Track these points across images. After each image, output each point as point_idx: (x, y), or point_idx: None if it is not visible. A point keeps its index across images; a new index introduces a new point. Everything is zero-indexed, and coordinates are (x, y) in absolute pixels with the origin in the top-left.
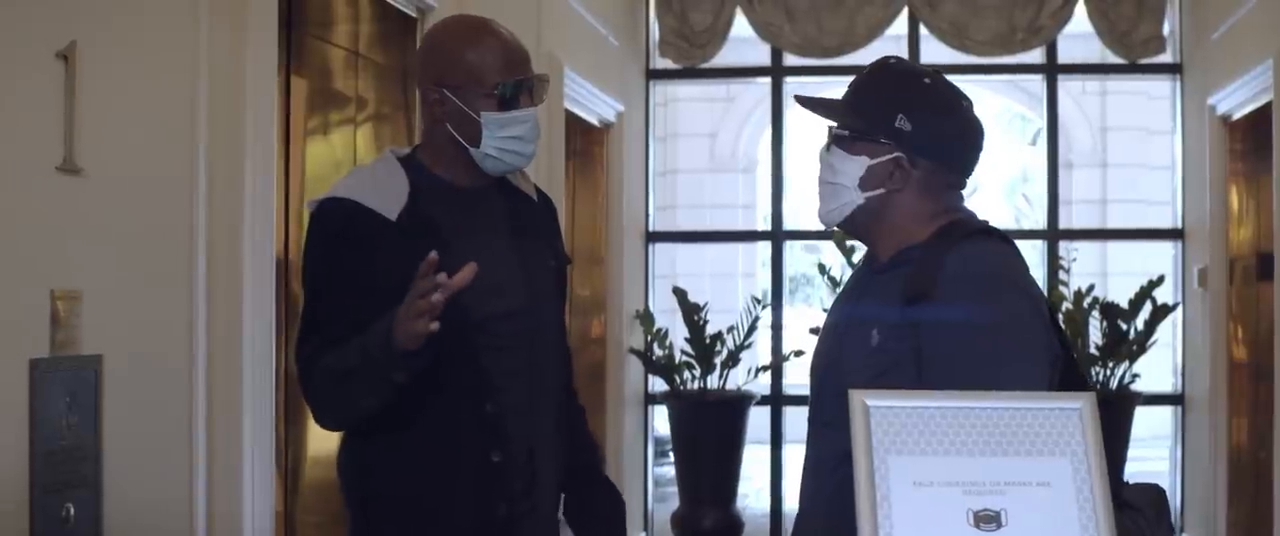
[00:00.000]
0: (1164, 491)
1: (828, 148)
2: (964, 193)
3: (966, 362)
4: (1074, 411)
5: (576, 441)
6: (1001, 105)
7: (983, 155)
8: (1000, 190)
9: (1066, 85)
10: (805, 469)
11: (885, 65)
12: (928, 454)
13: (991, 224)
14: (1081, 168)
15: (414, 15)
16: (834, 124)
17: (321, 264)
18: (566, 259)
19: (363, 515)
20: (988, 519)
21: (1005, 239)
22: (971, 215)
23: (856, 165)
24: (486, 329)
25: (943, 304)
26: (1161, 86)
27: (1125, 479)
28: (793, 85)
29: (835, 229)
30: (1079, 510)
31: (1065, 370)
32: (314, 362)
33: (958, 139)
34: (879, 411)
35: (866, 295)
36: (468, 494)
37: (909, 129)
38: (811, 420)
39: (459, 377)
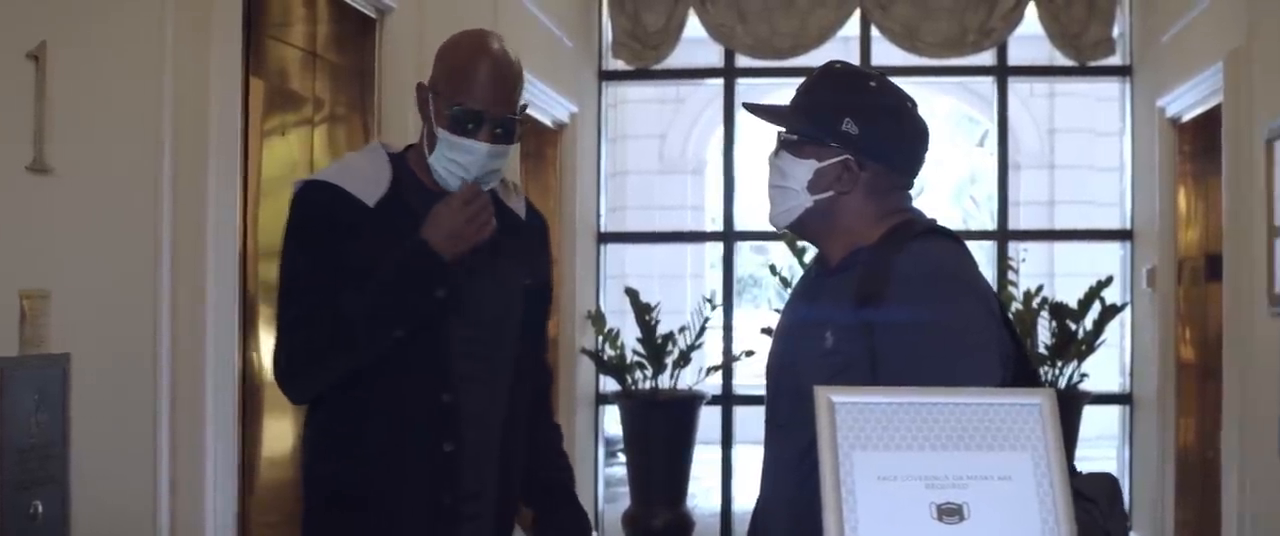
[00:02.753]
0: (1117, 481)
1: (776, 152)
2: (911, 193)
3: (920, 361)
4: (1034, 407)
5: (550, 459)
6: (950, 106)
7: (930, 156)
8: (948, 191)
9: (1015, 87)
10: (764, 469)
11: (831, 69)
12: (891, 449)
13: (940, 223)
14: (1029, 169)
15: (373, 16)
16: (782, 129)
17: (302, 245)
18: (549, 279)
19: (318, 501)
20: (950, 512)
21: (954, 238)
22: (920, 215)
23: (805, 169)
24: (448, 330)
25: (895, 304)
26: (1109, 88)
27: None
28: (744, 86)
29: (785, 231)
30: (1039, 503)
31: (1017, 367)
32: (307, 332)
33: (904, 140)
34: (844, 407)
35: (819, 297)
36: (417, 481)
37: (856, 132)
38: (768, 421)
39: (419, 366)
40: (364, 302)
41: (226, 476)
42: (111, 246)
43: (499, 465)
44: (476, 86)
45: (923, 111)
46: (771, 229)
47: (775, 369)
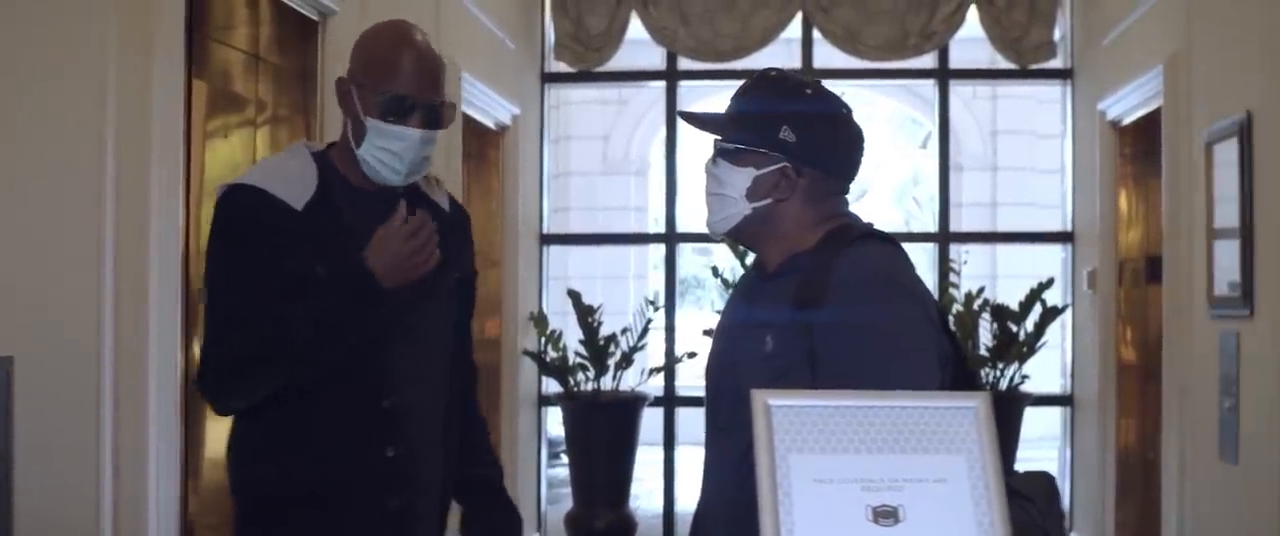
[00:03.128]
0: (1054, 480)
1: (714, 160)
2: (853, 195)
3: (860, 364)
4: (970, 410)
5: (478, 455)
6: (893, 108)
7: (873, 158)
8: (891, 193)
9: (957, 90)
10: (705, 470)
11: (767, 77)
12: (828, 452)
13: (877, 227)
14: (971, 171)
15: (315, 19)
16: (719, 138)
17: (228, 251)
18: (473, 272)
19: (251, 505)
20: (886, 514)
21: (892, 241)
22: (857, 219)
23: (743, 176)
24: (387, 335)
25: (835, 308)
26: (1051, 91)
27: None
28: (687, 88)
29: (724, 238)
30: (975, 505)
31: (955, 370)
32: (235, 340)
33: (841, 147)
34: (780, 410)
35: (758, 301)
36: (360, 488)
37: (794, 139)
38: (708, 423)
39: (358, 371)
40: (299, 325)
41: (169, 477)
42: (54, 248)
43: (441, 464)
44: (403, 73)
45: (865, 113)
46: None
47: (715, 371)
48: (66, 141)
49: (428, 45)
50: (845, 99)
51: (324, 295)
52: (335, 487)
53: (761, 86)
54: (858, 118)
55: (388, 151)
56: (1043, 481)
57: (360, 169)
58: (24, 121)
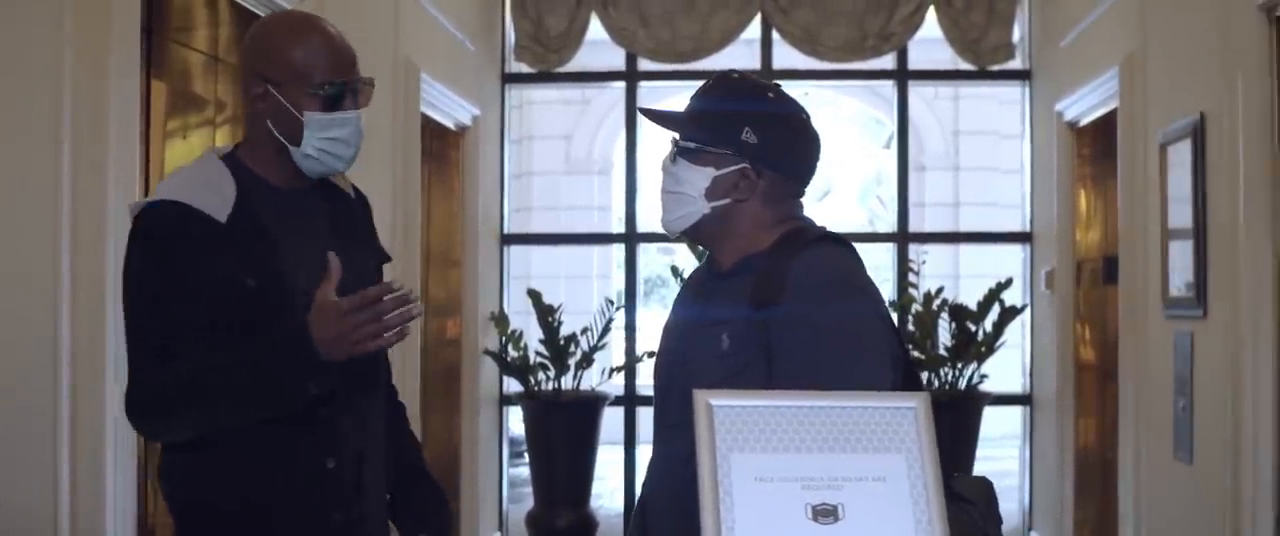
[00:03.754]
0: (992, 484)
1: (672, 158)
2: (816, 196)
3: (816, 363)
4: (910, 410)
5: (399, 440)
6: (856, 109)
7: (837, 158)
8: (855, 192)
9: (919, 90)
10: (651, 468)
11: (729, 79)
12: (769, 451)
13: (831, 230)
14: (934, 170)
15: None
16: (678, 136)
17: (152, 272)
18: (386, 256)
19: (189, 523)
20: (826, 513)
21: (846, 244)
22: (812, 222)
23: (702, 176)
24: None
25: (792, 307)
26: (1013, 91)
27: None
28: (647, 89)
29: (680, 237)
30: (913, 504)
31: (905, 370)
32: (165, 374)
33: (801, 150)
34: (722, 410)
35: (712, 299)
36: (300, 502)
37: (755, 141)
38: (657, 421)
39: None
40: (230, 380)
41: (127, 476)
42: (10, 247)
43: (376, 456)
44: (329, 58)
45: (829, 114)
46: None
47: (665, 368)
48: (23, 142)
49: (334, 27)
50: (809, 99)
51: (261, 354)
52: (275, 502)
53: (723, 87)
54: (821, 118)
55: (333, 140)
56: (982, 486)
57: (281, 169)
58: None
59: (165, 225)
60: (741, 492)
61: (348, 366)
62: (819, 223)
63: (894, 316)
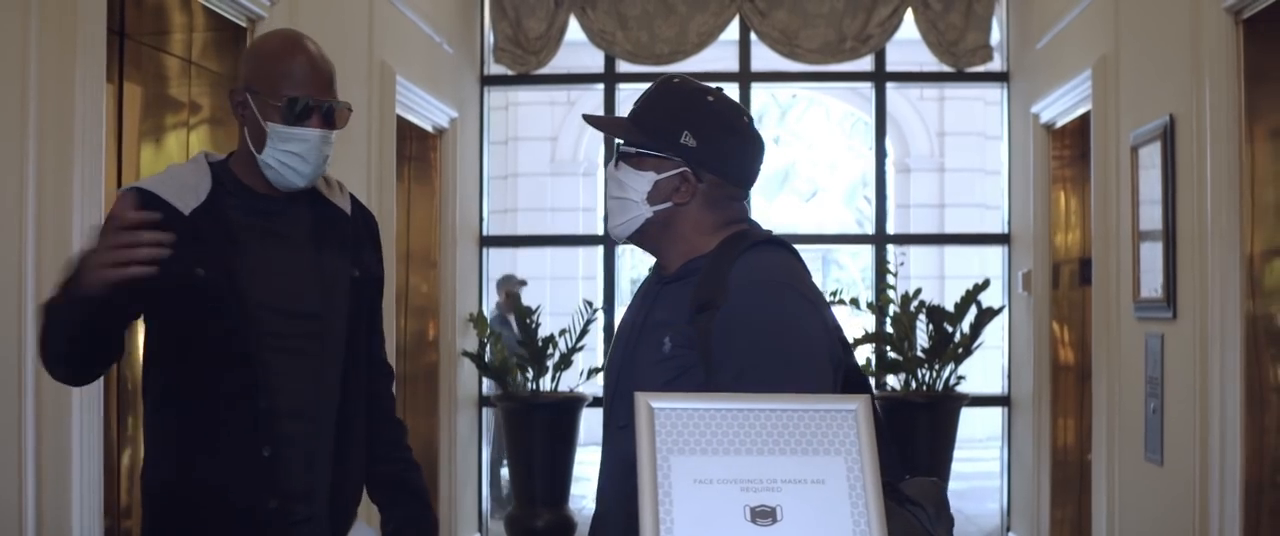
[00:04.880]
0: (943, 486)
1: (615, 164)
2: (804, 196)
3: (753, 367)
4: (850, 412)
5: (389, 452)
6: (843, 110)
7: (824, 159)
8: (841, 194)
9: (904, 91)
10: (602, 469)
11: (669, 84)
12: (708, 453)
13: (775, 234)
14: (919, 172)
15: (244, 25)
16: (621, 141)
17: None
18: (379, 272)
19: (147, 501)
20: (764, 514)
21: (788, 248)
22: (756, 225)
23: (644, 181)
24: (269, 326)
25: (729, 311)
26: (996, 93)
27: (907, 475)
28: (626, 91)
29: (625, 242)
30: (851, 505)
31: (848, 373)
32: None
33: (740, 152)
34: (663, 413)
35: (657, 303)
36: (237, 486)
37: (694, 145)
38: (606, 423)
39: (234, 371)
40: (47, 314)
41: (92, 476)
42: None
43: (332, 462)
44: (298, 77)
45: (817, 114)
46: None
47: (613, 371)
48: None
49: (319, 49)
50: (796, 101)
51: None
52: (212, 484)
53: (663, 92)
54: (808, 120)
55: (291, 154)
56: (931, 488)
57: (262, 175)
58: None
59: (125, 208)
60: (681, 494)
61: (293, 371)
62: (763, 226)
63: (872, 319)
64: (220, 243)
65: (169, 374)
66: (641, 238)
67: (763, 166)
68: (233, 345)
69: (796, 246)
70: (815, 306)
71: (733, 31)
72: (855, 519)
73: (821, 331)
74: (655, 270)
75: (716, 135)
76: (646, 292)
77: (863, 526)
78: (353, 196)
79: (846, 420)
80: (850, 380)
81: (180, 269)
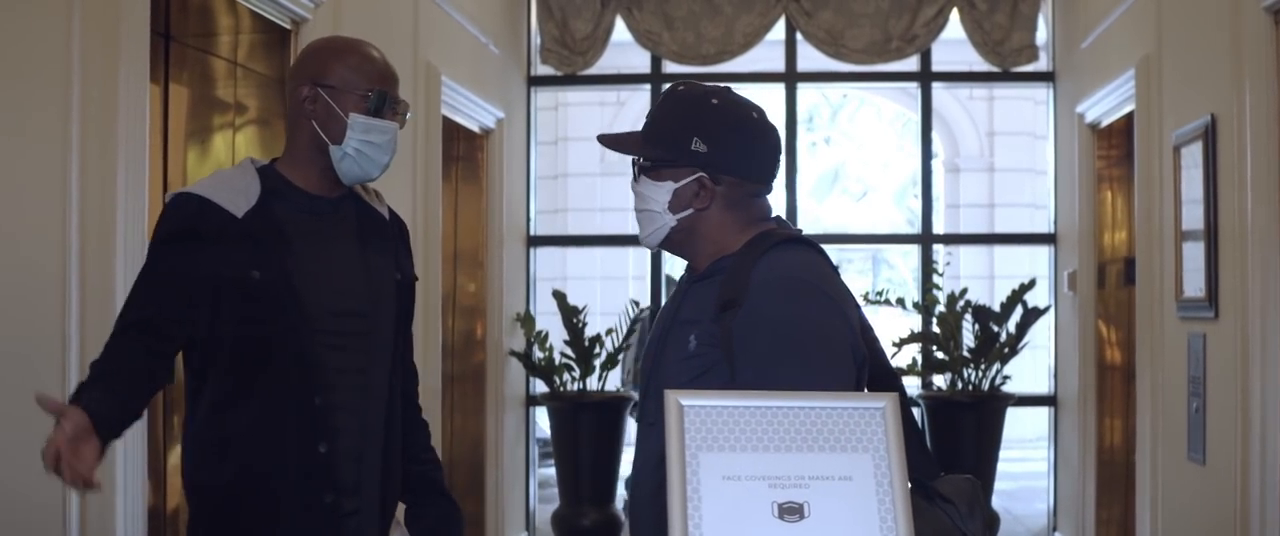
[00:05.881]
0: (978, 483)
1: (636, 178)
2: (856, 197)
3: (775, 364)
4: (877, 410)
5: (418, 454)
6: (894, 110)
7: (874, 158)
8: (891, 194)
9: (954, 91)
10: (634, 465)
11: (675, 93)
12: (737, 450)
13: (802, 233)
14: (969, 172)
15: (289, 28)
16: (637, 157)
17: (159, 251)
18: (413, 276)
19: (200, 502)
20: (791, 510)
21: (813, 246)
22: (784, 223)
23: (663, 191)
24: (322, 325)
25: (752, 309)
26: (1043, 93)
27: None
28: None
29: (658, 250)
30: (878, 502)
31: (874, 370)
32: (115, 337)
33: (753, 151)
34: (692, 410)
35: (686, 301)
36: (294, 482)
37: (705, 149)
38: (639, 421)
39: (291, 369)
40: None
41: (137, 473)
42: (18, 250)
43: (382, 458)
44: (379, 71)
45: (868, 115)
46: None
47: (646, 370)
48: (31, 146)
49: (378, 50)
50: (846, 101)
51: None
52: (269, 481)
53: (670, 101)
54: (860, 120)
55: (372, 144)
56: (965, 485)
57: (315, 176)
58: None
59: (178, 215)
60: (709, 491)
61: (344, 368)
62: (799, 226)
63: (918, 319)
64: (274, 244)
65: (224, 374)
66: (670, 244)
67: (779, 159)
68: (289, 344)
69: (842, 247)
70: (837, 303)
71: (778, 32)
72: (882, 515)
73: (843, 328)
74: (687, 269)
75: (726, 137)
76: (678, 293)
77: (889, 523)
78: (388, 207)
79: (874, 418)
80: (879, 378)
81: (236, 273)
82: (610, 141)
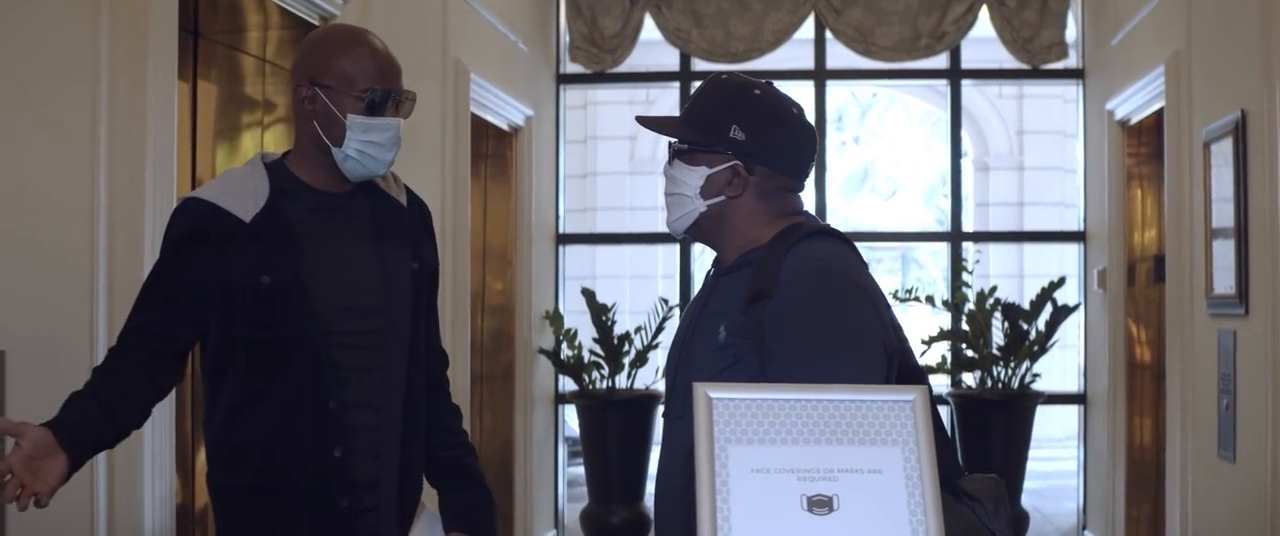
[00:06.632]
0: (1002, 482)
1: (670, 161)
2: (885, 195)
3: (805, 356)
4: (907, 403)
5: (448, 440)
6: (923, 109)
7: (903, 157)
8: (921, 193)
9: (983, 89)
10: (661, 460)
11: (718, 80)
12: (766, 443)
13: (831, 226)
14: (998, 170)
15: (317, 24)
16: (673, 139)
17: (164, 258)
18: (435, 263)
19: (219, 504)
20: (820, 503)
21: (844, 239)
22: (812, 217)
23: (696, 175)
24: (335, 325)
25: (782, 301)
26: (1073, 90)
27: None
28: None
29: (684, 237)
30: (908, 495)
31: (903, 363)
32: (118, 341)
33: (790, 145)
34: (721, 403)
35: (714, 294)
36: (309, 487)
37: (743, 138)
38: (666, 414)
39: (305, 372)
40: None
41: (164, 473)
42: (47, 247)
43: (401, 452)
44: (376, 68)
45: (898, 113)
46: None
47: (673, 365)
48: (59, 143)
49: (376, 38)
50: (875, 100)
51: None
52: (285, 485)
53: (712, 88)
54: (889, 119)
55: (373, 144)
56: (991, 484)
57: (324, 172)
58: (18, 121)
59: (186, 220)
60: (738, 483)
61: (359, 366)
62: (828, 218)
63: (948, 317)
64: (283, 246)
65: (237, 379)
66: (697, 231)
67: (814, 157)
68: (303, 347)
69: (871, 245)
70: (868, 295)
71: (808, 29)
72: (911, 508)
73: (874, 320)
74: (714, 263)
75: (765, 128)
76: (706, 286)
77: (919, 516)
78: (408, 188)
79: (904, 411)
80: (905, 376)
81: (245, 278)
82: (649, 122)
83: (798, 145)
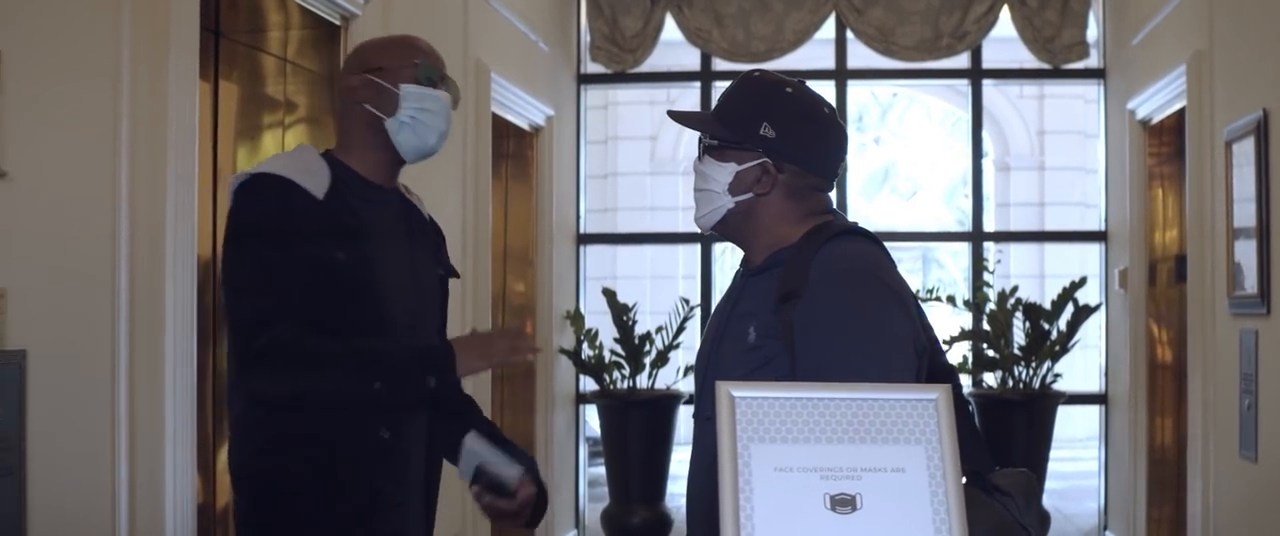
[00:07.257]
0: (1033, 477)
1: (700, 157)
2: (906, 195)
3: (836, 355)
4: (930, 402)
5: (477, 422)
6: (943, 109)
7: (924, 157)
8: (941, 193)
9: (1004, 89)
10: (692, 460)
11: (750, 77)
12: (789, 442)
13: (860, 225)
14: (1019, 170)
15: (339, 24)
16: (703, 134)
17: (258, 239)
18: (452, 272)
19: (260, 488)
20: (844, 502)
21: (873, 238)
22: (841, 216)
23: (726, 172)
24: (383, 316)
25: (811, 301)
26: (1094, 90)
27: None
28: (722, 90)
29: (712, 233)
30: (932, 494)
31: (933, 362)
32: (292, 344)
33: (820, 143)
34: (744, 402)
35: (743, 295)
36: (354, 468)
37: (773, 135)
38: (696, 415)
39: (356, 357)
40: (355, 363)
41: (185, 472)
42: (69, 246)
43: (426, 448)
44: (427, 52)
45: (918, 113)
46: None
47: (702, 363)
48: (81, 142)
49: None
50: (896, 100)
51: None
52: (335, 464)
53: (744, 85)
54: (910, 119)
55: (426, 112)
56: (1022, 479)
57: (373, 161)
58: (40, 121)
59: (264, 197)
60: (761, 482)
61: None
62: (850, 218)
63: (969, 317)
64: (353, 226)
65: None
66: (725, 228)
67: (844, 157)
68: (363, 329)
69: (894, 245)
70: (898, 294)
71: (829, 29)
72: (935, 507)
73: (904, 319)
74: (743, 263)
75: (795, 126)
76: (735, 287)
77: (943, 515)
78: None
79: (927, 409)
80: (935, 374)
81: (320, 253)
82: (680, 117)
83: (828, 144)
